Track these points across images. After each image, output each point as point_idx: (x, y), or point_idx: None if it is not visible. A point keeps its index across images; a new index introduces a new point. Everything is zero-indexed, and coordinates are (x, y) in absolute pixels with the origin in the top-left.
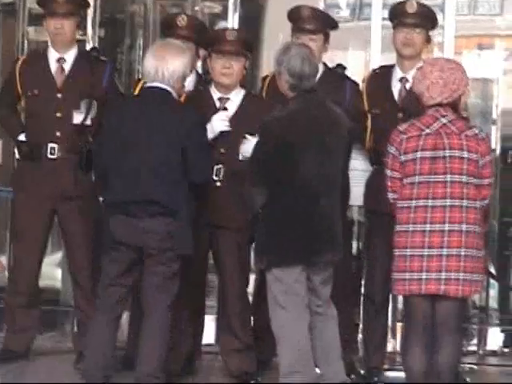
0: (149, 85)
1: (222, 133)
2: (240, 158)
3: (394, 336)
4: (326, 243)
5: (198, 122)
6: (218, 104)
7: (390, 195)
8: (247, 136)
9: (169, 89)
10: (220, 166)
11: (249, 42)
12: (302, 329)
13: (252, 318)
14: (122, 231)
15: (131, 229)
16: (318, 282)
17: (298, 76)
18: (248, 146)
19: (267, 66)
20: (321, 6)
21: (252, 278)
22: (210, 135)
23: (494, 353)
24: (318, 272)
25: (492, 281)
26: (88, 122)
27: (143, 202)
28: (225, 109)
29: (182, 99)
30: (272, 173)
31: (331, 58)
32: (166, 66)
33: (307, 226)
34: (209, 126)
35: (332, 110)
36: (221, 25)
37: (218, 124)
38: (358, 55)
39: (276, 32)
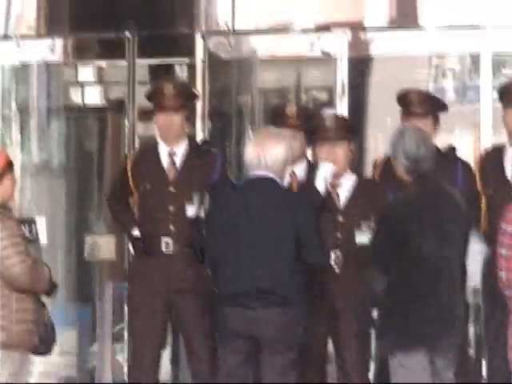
0: (253, 173)
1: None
2: (356, 241)
3: None
4: (448, 326)
5: (309, 208)
6: (330, 190)
7: (504, 274)
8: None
9: (273, 176)
10: (337, 251)
11: (350, 125)
12: None
13: None
14: (237, 322)
15: (246, 320)
16: (441, 366)
17: (414, 159)
18: (317, 177)
19: (376, 150)
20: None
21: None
22: (320, 187)
23: None
24: (441, 355)
25: None
26: (201, 214)
27: (256, 291)
28: (337, 195)
29: (295, 186)
30: (393, 258)
31: (441, 140)
32: (268, 154)
33: (429, 309)
34: (317, 180)
35: (451, 193)
36: (328, 112)
37: (324, 170)
38: (466, 137)
39: (384, 116)
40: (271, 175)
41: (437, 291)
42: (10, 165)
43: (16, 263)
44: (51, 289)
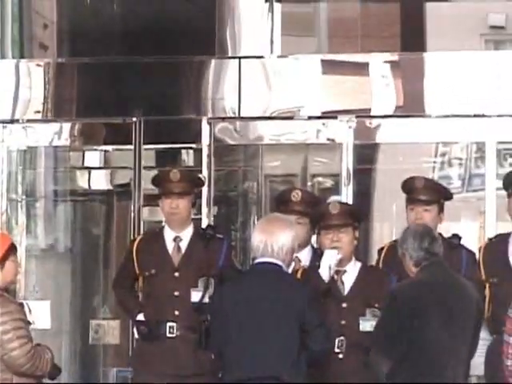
0: (258, 260)
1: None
2: (361, 329)
3: None
4: None
5: (313, 296)
6: (335, 277)
7: (510, 362)
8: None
9: (279, 263)
10: (342, 337)
11: (354, 212)
12: None
13: None
14: None
15: None
16: None
17: (420, 250)
18: (322, 265)
19: (380, 237)
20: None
21: None
22: (325, 276)
23: None
24: None
25: None
26: (206, 299)
27: (261, 379)
28: (341, 282)
29: (299, 274)
30: (398, 342)
31: (445, 229)
32: (274, 241)
33: None
34: (321, 269)
35: (460, 280)
36: (333, 199)
37: (327, 259)
38: (471, 225)
39: (389, 203)
40: (277, 262)
41: (440, 380)
42: (13, 248)
43: (17, 347)
44: (54, 372)
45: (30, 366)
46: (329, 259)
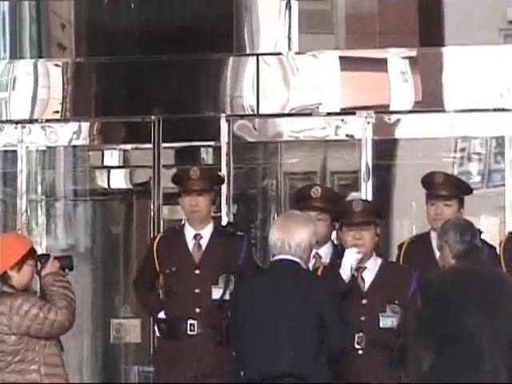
0: (277, 257)
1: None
2: (381, 325)
3: None
4: None
5: (333, 292)
6: (355, 274)
7: None
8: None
9: (297, 260)
10: (361, 334)
11: (376, 210)
12: None
13: None
14: None
15: None
16: None
17: (461, 243)
18: (343, 266)
19: (401, 233)
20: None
21: None
22: (346, 276)
23: None
24: None
25: None
26: (227, 296)
27: (282, 376)
28: (362, 279)
29: (320, 271)
30: (436, 332)
31: None
32: (291, 238)
33: None
34: (342, 269)
35: (495, 268)
36: (353, 195)
37: (348, 259)
38: (491, 220)
39: (409, 199)
40: (295, 259)
41: (479, 370)
42: (31, 251)
43: (54, 318)
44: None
45: (73, 315)
46: (350, 259)
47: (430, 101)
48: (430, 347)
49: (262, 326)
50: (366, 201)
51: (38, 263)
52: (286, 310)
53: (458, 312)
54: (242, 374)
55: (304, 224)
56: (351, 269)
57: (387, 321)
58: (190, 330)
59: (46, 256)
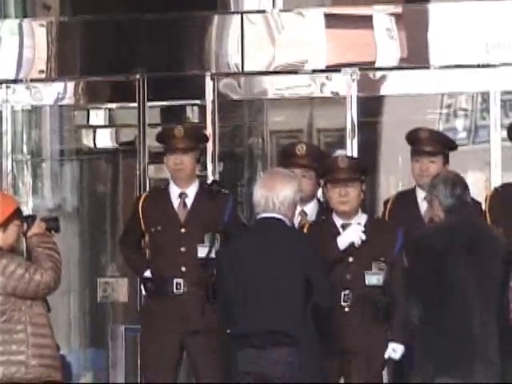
0: (261, 216)
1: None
2: (367, 283)
3: None
4: (478, 359)
5: (315, 250)
6: (341, 230)
7: None
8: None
9: (281, 217)
10: (347, 291)
11: (362, 166)
12: None
13: None
14: (247, 362)
15: (255, 359)
16: None
17: (450, 197)
18: (345, 235)
19: (387, 190)
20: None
21: None
22: (342, 245)
23: None
24: None
25: None
26: (212, 255)
27: (266, 332)
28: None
29: (306, 229)
30: (427, 286)
31: None
32: (275, 195)
33: (460, 340)
34: (342, 237)
35: (482, 222)
36: (339, 152)
37: (353, 234)
38: (477, 177)
39: (394, 155)
40: (279, 217)
41: (468, 324)
42: (17, 212)
43: (40, 279)
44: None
45: (58, 276)
46: (352, 235)
47: (416, 57)
48: (418, 303)
49: (247, 284)
50: (351, 157)
51: (24, 224)
52: (271, 267)
53: (445, 267)
54: (227, 331)
55: (288, 181)
56: (350, 243)
57: (373, 278)
58: (177, 289)
59: (32, 217)
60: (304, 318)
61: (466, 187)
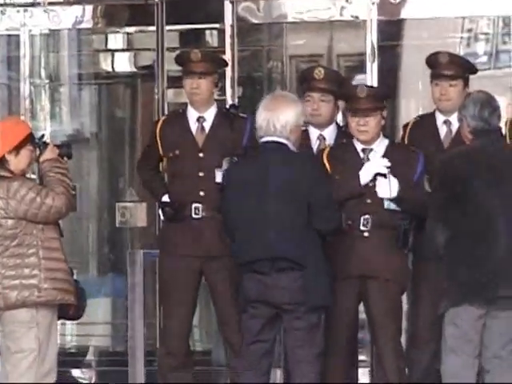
0: (264, 139)
1: (375, 178)
2: (385, 206)
3: None
4: (504, 279)
5: (320, 174)
6: (361, 155)
7: None
8: (387, 176)
9: (284, 141)
10: (367, 216)
11: (382, 94)
12: (470, 377)
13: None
14: (255, 289)
15: (262, 286)
16: (496, 330)
17: (479, 119)
18: (384, 187)
19: (407, 114)
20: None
21: None
22: (366, 178)
23: None
24: (497, 316)
25: None
26: None
27: (270, 258)
28: (368, 160)
29: (325, 153)
30: (452, 211)
31: None
32: (276, 118)
33: (486, 264)
34: (365, 168)
35: (508, 145)
36: (358, 77)
37: (377, 166)
38: (499, 101)
39: (415, 80)
40: (282, 140)
41: (494, 246)
42: (30, 137)
43: (51, 203)
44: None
45: (70, 201)
46: (377, 167)
47: None
48: (444, 229)
49: (250, 210)
50: (370, 86)
51: (37, 150)
52: (272, 191)
53: (470, 192)
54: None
55: (290, 104)
56: (373, 176)
57: (391, 203)
58: (195, 214)
59: (44, 143)
60: (309, 242)
61: (495, 110)
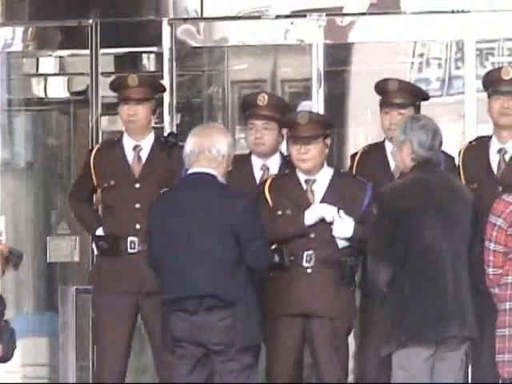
0: (192, 170)
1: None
2: (340, 246)
3: None
4: (454, 318)
5: (249, 208)
6: (304, 186)
7: (491, 270)
8: (340, 213)
9: (213, 172)
10: (311, 251)
11: (324, 121)
12: None
13: None
14: (182, 328)
15: (189, 325)
16: (446, 362)
17: (428, 148)
18: (341, 226)
19: (355, 143)
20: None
21: None
22: (310, 221)
23: None
24: (447, 355)
25: None
26: None
27: (198, 296)
28: (311, 192)
29: (268, 183)
30: (395, 245)
31: None
32: (207, 149)
33: (434, 302)
34: (311, 211)
35: (453, 180)
36: (304, 104)
37: (323, 213)
38: (451, 128)
39: (364, 107)
40: (210, 171)
41: (441, 283)
42: None
43: None
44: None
45: None
46: (323, 212)
47: (386, 2)
48: (389, 261)
49: (175, 244)
50: (312, 113)
51: None
52: (200, 226)
53: (416, 224)
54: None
55: (221, 135)
56: (318, 219)
57: (344, 242)
58: (131, 248)
59: None
60: (238, 280)
61: (441, 142)
